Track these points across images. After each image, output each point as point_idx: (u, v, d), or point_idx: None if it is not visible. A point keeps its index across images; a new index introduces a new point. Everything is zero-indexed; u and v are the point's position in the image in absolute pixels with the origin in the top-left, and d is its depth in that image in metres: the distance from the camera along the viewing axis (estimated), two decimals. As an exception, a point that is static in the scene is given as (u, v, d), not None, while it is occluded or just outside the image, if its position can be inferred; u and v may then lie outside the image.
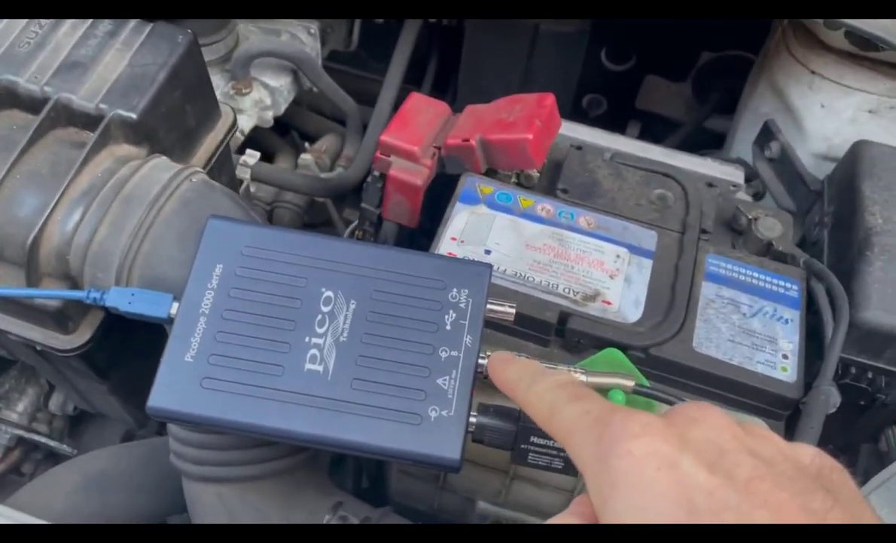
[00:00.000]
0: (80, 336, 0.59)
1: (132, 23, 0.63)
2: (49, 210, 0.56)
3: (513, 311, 0.55)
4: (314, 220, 1.06)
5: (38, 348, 0.60)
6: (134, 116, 0.60)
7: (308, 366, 0.50)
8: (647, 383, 0.57)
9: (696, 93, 1.18)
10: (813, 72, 0.84)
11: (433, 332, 0.52)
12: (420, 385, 0.50)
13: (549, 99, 0.71)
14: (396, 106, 1.00)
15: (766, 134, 0.88)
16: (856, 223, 0.70)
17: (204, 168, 0.68)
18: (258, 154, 0.85)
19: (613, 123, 1.05)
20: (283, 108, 1.00)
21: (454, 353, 0.52)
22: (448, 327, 0.52)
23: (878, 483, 0.58)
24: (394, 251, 0.56)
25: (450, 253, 0.66)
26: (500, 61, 1.07)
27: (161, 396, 0.48)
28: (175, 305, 0.52)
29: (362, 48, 1.17)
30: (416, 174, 0.71)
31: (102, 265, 0.56)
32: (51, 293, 0.56)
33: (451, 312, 0.53)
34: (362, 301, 0.53)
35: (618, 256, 0.68)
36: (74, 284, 0.57)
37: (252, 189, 1.00)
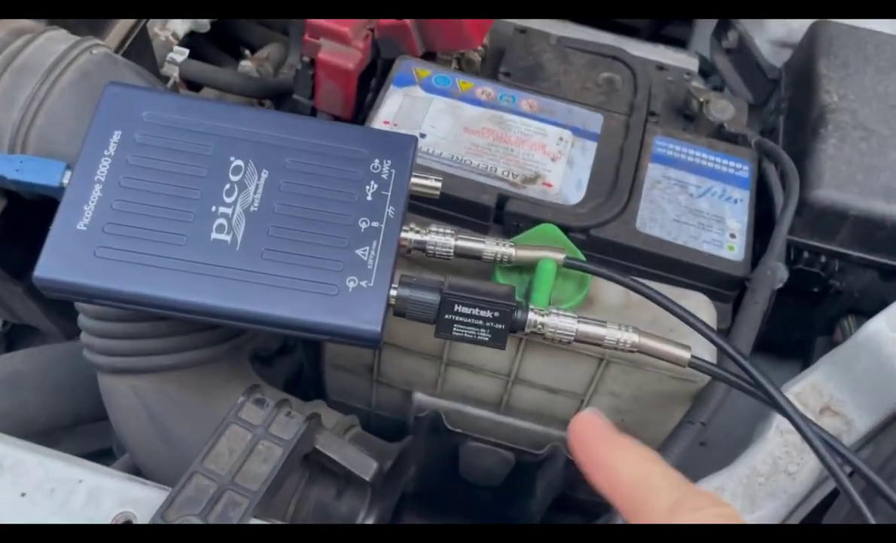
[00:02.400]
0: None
1: None
2: (-68, 82, 0.51)
3: (438, 184, 0.51)
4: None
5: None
6: (26, -17, 0.55)
7: (214, 236, 0.47)
8: (582, 257, 0.54)
9: (658, -2, 1.13)
10: (772, -46, 0.80)
11: (353, 203, 0.48)
12: (337, 256, 0.47)
13: (489, -25, 0.67)
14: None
15: (724, 24, 0.84)
16: (811, 102, 0.67)
17: (115, 51, 0.64)
18: (186, 51, 0.80)
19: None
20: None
21: (375, 223, 0.48)
22: (369, 198, 0.49)
23: (827, 358, 0.55)
24: (311, 121, 0.52)
25: (382, 134, 0.62)
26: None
27: (49, 265, 0.44)
28: (68, 173, 0.48)
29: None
30: (348, 57, 0.67)
31: (-6, 141, 0.51)
32: None
33: (372, 182, 0.49)
34: (275, 171, 0.49)
35: (560, 138, 0.64)
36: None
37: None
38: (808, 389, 0.53)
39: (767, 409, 0.52)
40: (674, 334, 0.52)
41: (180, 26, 0.91)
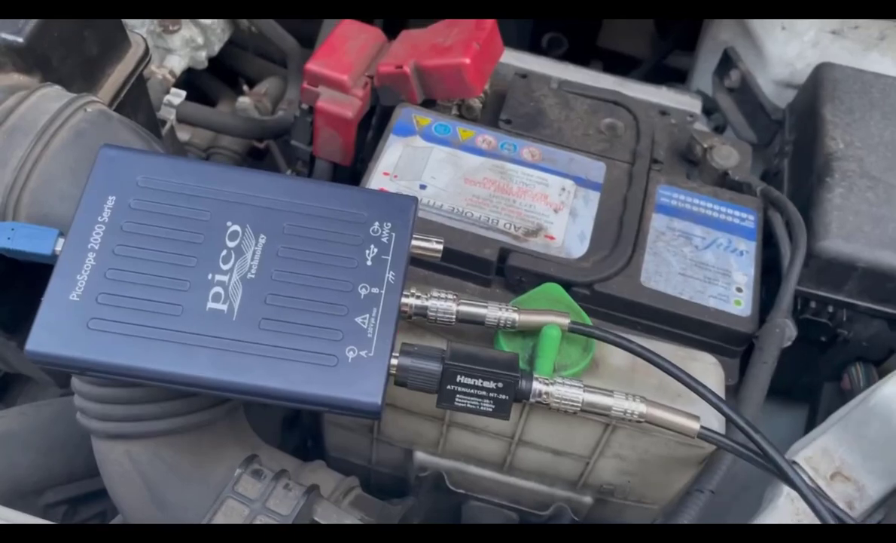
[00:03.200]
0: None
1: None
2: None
3: (440, 247, 0.50)
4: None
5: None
6: (20, 39, 0.54)
7: (211, 305, 0.45)
8: (587, 319, 0.53)
9: (659, 28, 1.13)
10: (774, -6, 0.79)
11: (352, 268, 0.47)
12: (336, 325, 0.46)
13: (489, 23, 0.66)
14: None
15: (726, 63, 0.83)
16: (816, 149, 0.66)
17: (111, 102, 0.62)
18: (184, 93, 0.79)
19: (575, 63, 1.00)
20: (217, 47, 0.94)
21: (375, 290, 0.47)
22: (369, 263, 0.48)
23: (837, 419, 0.54)
24: (310, 183, 0.50)
25: (381, 189, 0.61)
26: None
27: (41, 339, 0.43)
28: (61, 240, 0.47)
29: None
30: (347, 106, 0.66)
31: (-14, 203, 0.50)
32: None
33: (372, 247, 0.48)
34: (273, 236, 0.48)
35: (563, 188, 0.63)
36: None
37: (187, 136, 0.95)
38: (818, 453, 0.52)
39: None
40: (681, 400, 0.50)
41: (177, 63, 0.91)
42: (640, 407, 0.46)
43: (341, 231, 0.48)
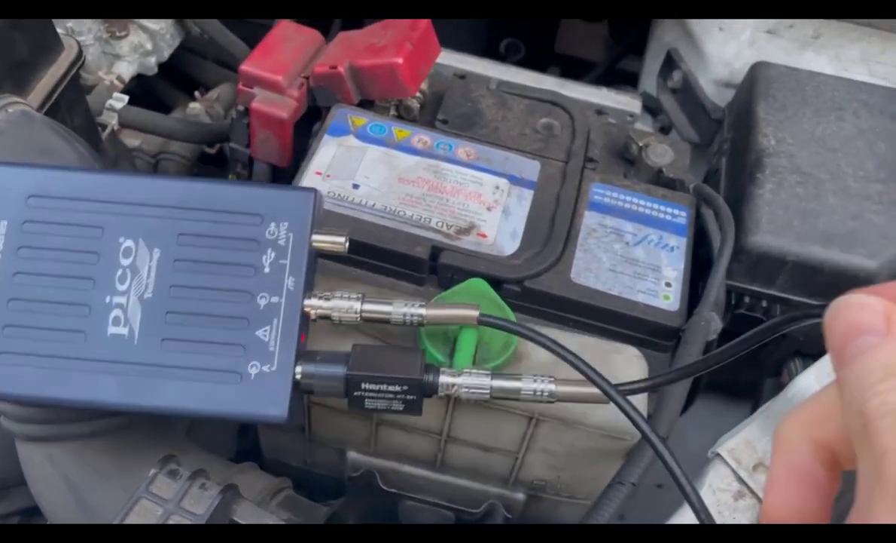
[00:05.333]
0: None
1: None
2: None
3: (343, 240, 0.48)
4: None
5: None
6: (-64, 40, 0.53)
7: (111, 330, 0.45)
8: (511, 314, 0.53)
9: (613, 33, 1.14)
10: (713, -6, 0.80)
11: (250, 277, 0.46)
12: (238, 339, 0.45)
13: (423, 23, 0.66)
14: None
15: (669, 63, 0.84)
16: (749, 146, 0.67)
17: (42, 105, 0.62)
18: (126, 98, 0.78)
19: (532, 67, 1.00)
20: (166, 53, 0.94)
21: (275, 299, 0.46)
22: (267, 270, 0.46)
23: (761, 411, 0.54)
24: (200, 184, 0.48)
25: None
26: None
27: None
28: None
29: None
30: (282, 107, 0.66)
31: None
32: None
33: (269, 251, 0.46)
34: (167, 248, 0.46)
35: (497, 187, 0.63)
36: None
37: (137, 142, 0.94)
38: (741, 445, 0.52)
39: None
40: (602, 393, 0.50)
41: (126, 69, 0.90)
42: (549, 387, 0.46)
43: (236, 236, 0.46)
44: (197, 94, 1.00)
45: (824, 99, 0.70)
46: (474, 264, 0.58)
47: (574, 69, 1.21)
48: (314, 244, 0.47)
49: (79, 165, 0.53)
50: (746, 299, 0.65)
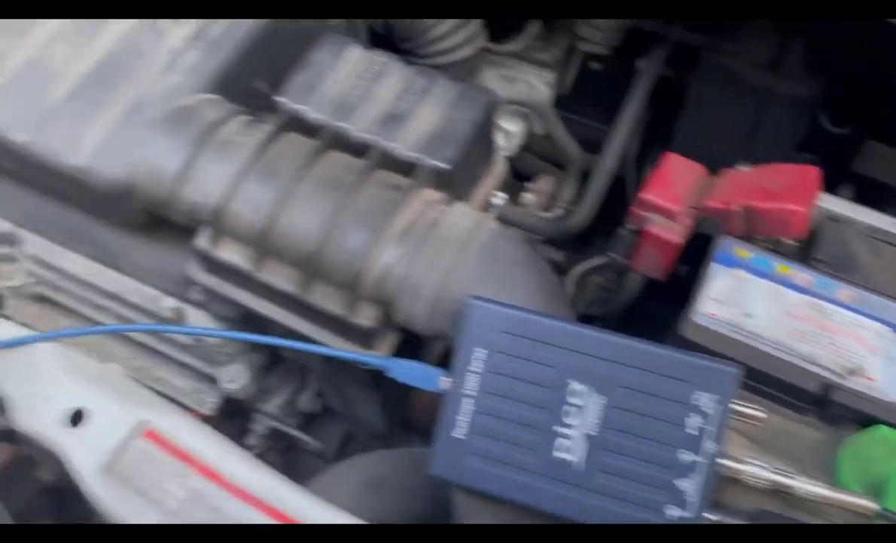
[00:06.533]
0: (378, 352, 0.68)
1: (443, 81, 0.71)
2: (374, 245, 0.64)
3: (762, 414, 0.57)
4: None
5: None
6: (447, 166, 0.67)
7: (557, 453, 0.57)
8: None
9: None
10: None
11: (675, 433, 0.56)
12: (659, 482, 0.55)
13: (815, 172, 0.73)
14: (622, 157, 1.05)
15: None
16: None
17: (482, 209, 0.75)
18: (506, 196, 0.91)
19: (826, 184, 1.04)
20: (515, 151, 1.07)
21: (695, 456, 0.55)
22: (689, 430, 0.56)
23: None
24: (642, 345, 0.58)
25: (712, 314, 0.69)
26: (725, 118, 1.09)
27: (440, 466, 0.58)
28: (444, 380, 0.59)
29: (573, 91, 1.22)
30: (676, 233, 0.75)
31: (416, 298, 0.63)
32: (350, 355, 0.65)
33: (694, 415, 0.56)
34: (609, 394, 0.57)
35: (879, 332, 0.69)
36: (387, 309, 0.65)
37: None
38: None
39: None
40: None
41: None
42: None
43: (667, 396, 0.56)
44: (527, 184, 1.13)
45: None
46: (867, 407, 0.63)
47: (869, 191, 1.23)
48: (734, 410, 0.56)
49: (540, 297, 0.64)
50: None
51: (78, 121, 0.70)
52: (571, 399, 0.57)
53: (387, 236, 0.65)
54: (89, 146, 0.69)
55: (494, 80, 1.06)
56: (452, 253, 0.64)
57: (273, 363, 0.89)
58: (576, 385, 0.57)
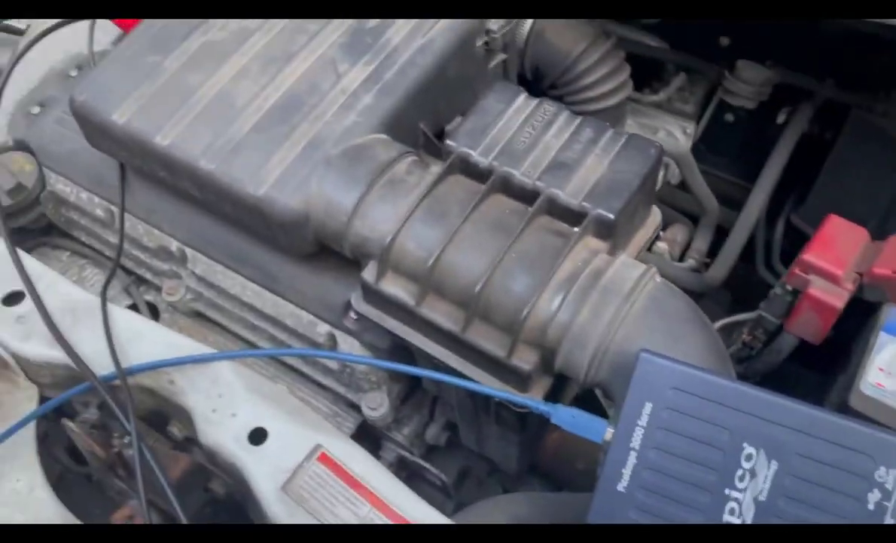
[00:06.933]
0: (533, 396, 0.68)
1: (610, 132, 0.72)
2: (539, 290, 0.65)
3: None
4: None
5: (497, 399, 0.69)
6: (612, 216, 0.68)
7: (726, 517, 0.55)
8: None
9: None
10: None
11: (854, 508, 0.54)
12: None
13: None
14: (765, 210, 1.03)
15: None
16: None
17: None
18: (667, 248, 0.91)
19: None
20: (651, 199, 1.07)
21: None
22: (870, 506, 0.53)
23: None
24: (823, 415, 0.56)
25: (877, 384, 0.67)
26: (870, 179, 1.05)
27: (598, 516, 0.57)
28: (608, 431, 0.59)
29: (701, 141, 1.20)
30: (838, 297, 0.74)
31: (579, 346, 0.64)
32: (517, 399, 0.65)
33: (875, 491, 0.54)
34: (784, 462, 0.55)
35: None
36: (547, 354, 0.66)
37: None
38: None
39: None
40: None
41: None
42: None
43: (847, 469, 0.54)
44: (660, 233, 1.12)
45: None
46: None
47: None
48: None
49: (706, 355, 0.63)
50: None
51: (260, 153, 0.74)
52: (745, 463, 0.56)
53: (552, 282, 0.66)
54: (270, 178, 0.73)
55: (635, 128, 1.06)
56: (618, 304, 0.64)
57: (409, 394, 0.91)
58: (750, 449, 0.56)
